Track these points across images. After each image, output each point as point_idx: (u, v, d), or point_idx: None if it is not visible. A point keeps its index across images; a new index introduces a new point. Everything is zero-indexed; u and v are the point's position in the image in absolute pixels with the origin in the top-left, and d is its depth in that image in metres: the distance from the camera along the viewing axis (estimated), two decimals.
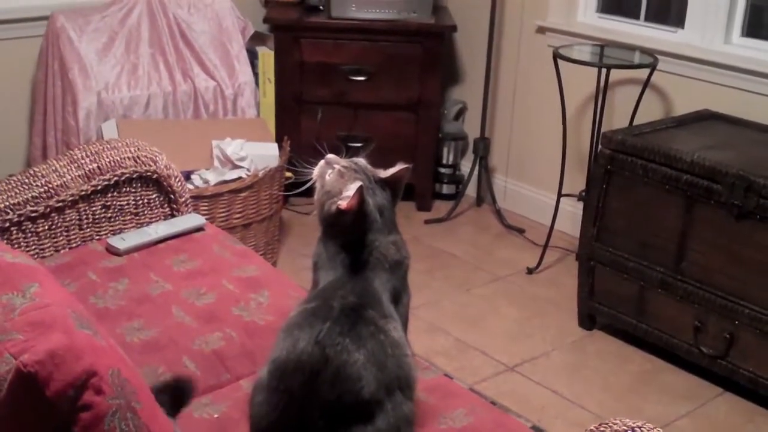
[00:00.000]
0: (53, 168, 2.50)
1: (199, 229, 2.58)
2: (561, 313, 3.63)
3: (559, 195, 3.92)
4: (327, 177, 1.80)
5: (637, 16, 4.04)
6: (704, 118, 3.56)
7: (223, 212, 3.52)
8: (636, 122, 3.70)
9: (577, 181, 3.99)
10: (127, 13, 3.91)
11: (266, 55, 4.21)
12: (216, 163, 3.62)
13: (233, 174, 3.58)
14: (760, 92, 3.52)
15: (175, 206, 2.65)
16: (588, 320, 3.52)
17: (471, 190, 4.64)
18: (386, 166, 1.86)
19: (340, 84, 4.26)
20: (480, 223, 4.45)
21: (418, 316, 3.48)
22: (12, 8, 3.87)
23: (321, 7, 4.31)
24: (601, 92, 3.72)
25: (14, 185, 2.44)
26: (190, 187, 3.52)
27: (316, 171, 1.83)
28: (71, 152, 2.55)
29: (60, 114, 3.76)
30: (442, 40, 4.26)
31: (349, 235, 1.76)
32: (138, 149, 2.59)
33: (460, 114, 4.67)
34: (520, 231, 4.31)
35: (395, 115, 4.32)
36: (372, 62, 4.22)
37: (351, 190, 1.72)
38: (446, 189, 4.65)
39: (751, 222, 2.93)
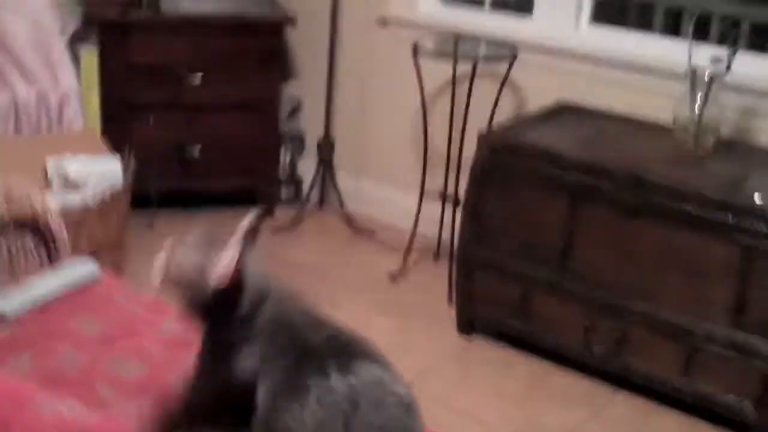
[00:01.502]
0: None
1: (93, 277, 2.23)
2: (436, 320, 3.50)
3: (422, 196, 3.78)
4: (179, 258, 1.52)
5: (481, 4, 3.96)
6: (564, 110, 3.52)
7: (69, 242, 3.13)
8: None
9: (431, 180, 3.86)
10: None
11: (90, 56, 3.80)
12: (55, 186, 3.21)
13: (76, 197, 3.19)
14: (611, 80, 3.51)
15: (54, 252, 2.29)
16: (467, 326, 3.42)
17: (309, 192, 4.43)
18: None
19: (172, 85, 3.92)
20: (327, 227, 4.25)
21: None
22: None
23: (144, 1, 3.93)
24: (460, 87, 3.61)
25: None
26: None
27: (158, 270, 1.54)
28: None
29: None
30: (280, 34, 4.01)
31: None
32: (7, 185, 2.21)
33: (294, 112, 4.43)
34: (371, 232, 4.15)
35: (232, 116, 4.04)
36: (206, 60, 3.91)
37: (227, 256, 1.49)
38: (285, 193, 4.41)
39: (642, 219, 2.92)
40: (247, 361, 1.51)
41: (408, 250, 3.82)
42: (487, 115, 3.61)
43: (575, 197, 3.04)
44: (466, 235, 3.31)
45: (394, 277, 3.78)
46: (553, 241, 3.12)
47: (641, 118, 3.40)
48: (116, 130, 3.85)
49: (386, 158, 4.21)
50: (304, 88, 4.36)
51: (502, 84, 3.57)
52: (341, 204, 4.21)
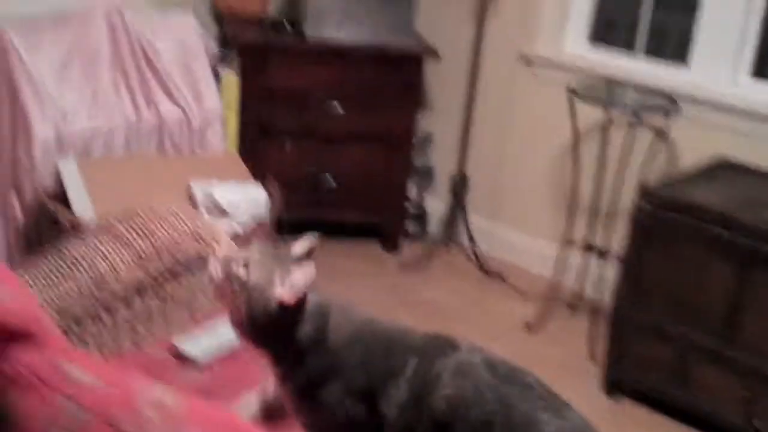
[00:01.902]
0: (94, 247, 2.00)
1: None
2: (578, 378, 3.36)
3: (564, 244, 3.64)
4: (242, 272, 1.50)
5: (631, 47, 3.81)
6: (723, 168, 3.37)
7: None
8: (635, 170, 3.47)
9: (564, 227, 3.73)
10: (85, 28, 3.34)
11: (230, 79, 3.72)
12: (203, 211, 3.14)
13: (223, 224, 3.10)
14: None
15: None
16: (615, 387, 3.27)
17: (436, 228, 4.33)
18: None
19: (310, 112, 3.83)
20: (455, 267, 4.12)
21: None
22: None
23: (287, 25, 3.86)
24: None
25: (50, 271, 1.93)
26: None
27: (212, 272, 1.53)
28: (110, 225, 2.05)
29: (8, 147, 3.17)
30: (421, 66, 3.90)
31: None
32: (196, 225, 2.12)
33: (423, 145, 4.32)
34: (501, 276, 4.02)
35: (367, 147, 3.94)
36: (346, 89, 3.82)
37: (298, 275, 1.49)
38: (411, 228, 4.30)
39: None
40: (352, 383, 1.52)
41: (547, 299, 3.68)
42: (636, 166, 3.46)
43: (745, 262, 2.88)
44: (621, 292, 3.17)
45: (531, 327, 3.63)
46: (716, 305, 2.97)
47: None
48: (252, 154, 3.77)
49: (521, 200, 4.07)
50: (436, 122, 4.25)
51: (659, 135, 3.42)
52: (473, 243, 4.08)
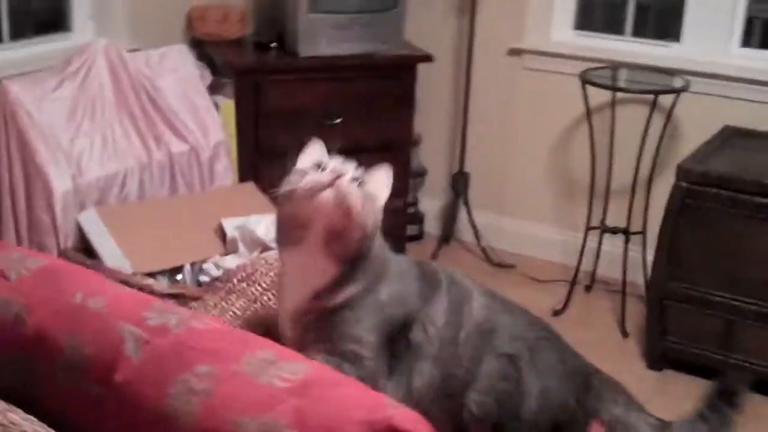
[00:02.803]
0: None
1: None
2: (619, 356, 3.43)
3: (588, 228, 3.70)
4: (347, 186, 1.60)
5: (619, 32, 3.89)
6: (737, 135, 3.48)
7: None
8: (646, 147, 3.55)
9: (569, 211, 3.82)
10: (87, 73, 3.21)
11: (227, 106, 3.64)
12: (241, 247, 3.06)
13: (269, 257, 3.03)
14: None
15: None
16: (660, 360, 3.35)
17: (432, 227, 4.34)
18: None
19: (309, 130, 3.74)
20: (463, 263, 4.13)
21: None
22: None
23: (272, 45, 3.79)
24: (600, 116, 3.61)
25: None
26: (204, 279, 2.98)
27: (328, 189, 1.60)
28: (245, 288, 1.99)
29: (24, 209, 3.03)
30: (415, 73, 3.89)
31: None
32: None
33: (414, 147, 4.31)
34: (510, 267, 4.06)
35: (367, 158, 3.85)
36: (343, 103, 3.78)
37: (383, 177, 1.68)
38: (409, 230, 4.29)
39: None
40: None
41: (565, 283, 3.74)
42: (648, 144, 3.53)
43: None
44: (660, 270, 3.24)
45: (557, 313, 3.68)
46: (762, 271, 3.07)
47: None
48: (254, 178, 3.70)
49: (521, 191, 4.12)
50: (425, 122, 4.24)
51: (669, 115, 3.50)
52: (478, 239, 4.11)
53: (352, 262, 1.61)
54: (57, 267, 1.37)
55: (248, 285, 2.04)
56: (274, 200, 1.69)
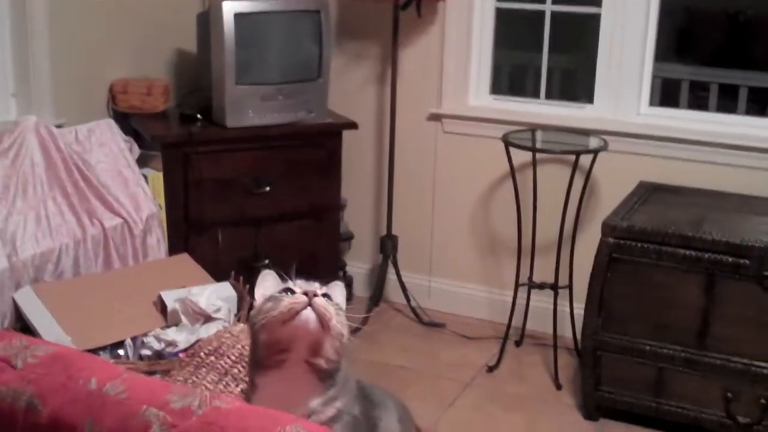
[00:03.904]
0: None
1: None
2: (555, 409, 3.52)
3: (517, 286, 3.80)
4: (322, 301, 1.71)
5: (534, 95, 4.06)
6: (653, 190, 3.65)
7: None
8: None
9: (496, 269, 3.95)
10: (18, 150, 3.19)
11: (156, 178, 3.64)
12: (183, 319, 3.06)
13: (210, 328, 3.04)
14: (683, 158, 3.70)
15: None
16: (595, 411, 3.45)
17: (360, 290, 4.39)
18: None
19: (238, 199, 3.80)
20: (394, 323, 4.20)
21: None
22: None
23: (198, 117, 3.81)
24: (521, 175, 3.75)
25: None
26: (146, 353, 2.97)
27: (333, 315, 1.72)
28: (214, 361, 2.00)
29: None
30: (340, 140, 3.96)
31: None
32: None
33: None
34: (441, 326, 4.14)
35: (297, 224, 3.94)
36: (272, 171, 3.82)
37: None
38: None
39: None
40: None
41: (505, 340, 3.83)
42: (560, 204, 3.67)
43: (711, 276, 3.14)
44: (592, 322, 3.35)
45: (491, 369, 3.76)
46: (688, 319, 3.21)
47: (731, 192, 3.57)
48: (185, 249, 3.69)
49: (449, 251, 4.22)
50: (348, 187, 4.31)
51: (588, 174, 3.65)
52: (408, 299, 4.17)
53: (331, 374, 1.70)
54: (64, 353, 1.37)
55: (216, 358, 2.05)
56: (252, 327, 1.74)
